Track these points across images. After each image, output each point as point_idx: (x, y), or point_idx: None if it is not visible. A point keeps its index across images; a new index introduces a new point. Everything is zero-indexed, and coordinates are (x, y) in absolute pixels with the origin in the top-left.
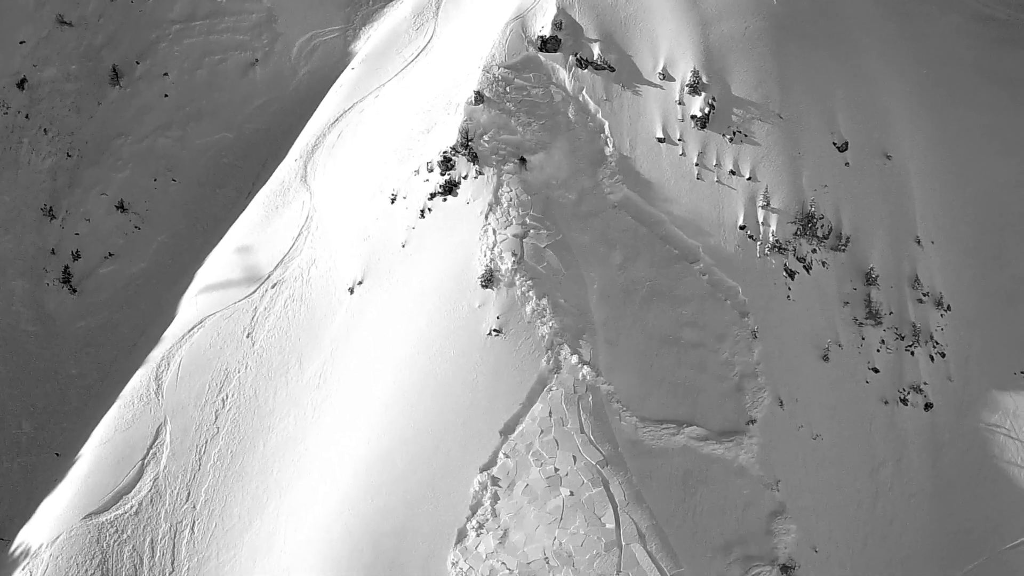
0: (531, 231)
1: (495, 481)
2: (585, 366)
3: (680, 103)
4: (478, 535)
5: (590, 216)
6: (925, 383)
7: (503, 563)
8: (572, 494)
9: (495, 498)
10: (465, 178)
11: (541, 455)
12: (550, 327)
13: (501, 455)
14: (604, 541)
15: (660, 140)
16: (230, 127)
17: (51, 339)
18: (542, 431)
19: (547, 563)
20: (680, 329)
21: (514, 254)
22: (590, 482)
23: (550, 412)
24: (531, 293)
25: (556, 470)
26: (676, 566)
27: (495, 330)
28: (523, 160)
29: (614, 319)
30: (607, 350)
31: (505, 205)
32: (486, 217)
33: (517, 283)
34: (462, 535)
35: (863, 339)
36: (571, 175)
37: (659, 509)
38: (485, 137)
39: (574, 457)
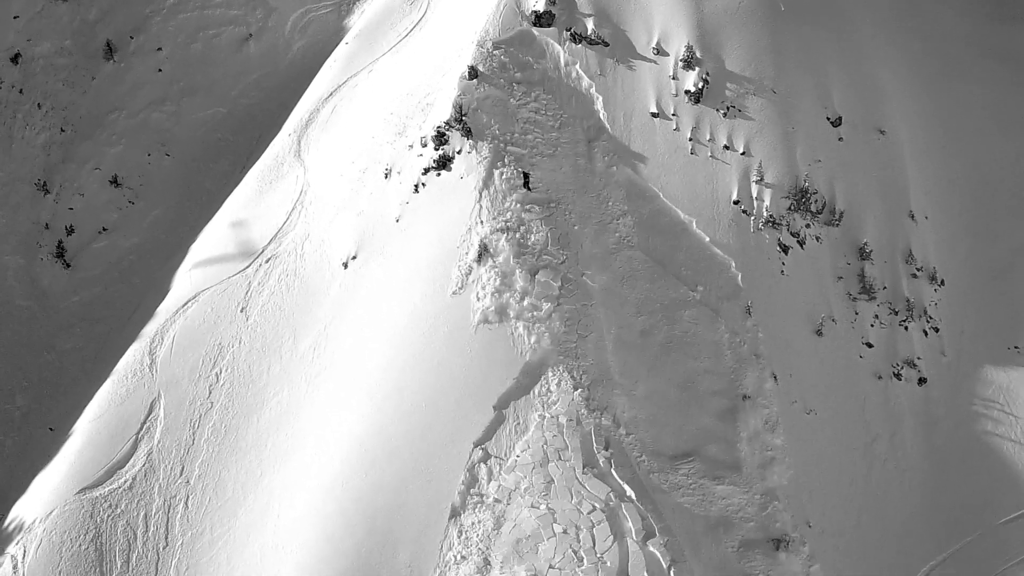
0: (543, 268)
1: (478, 523)
2: (603, 414)
3: (674, 78)
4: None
5: (607, 255)
6: (919, 358)
7: None
8: (566, 532)
9: (478, 535)
10: (459, 153)
11: (533, 492)
12: (563, 374)
13: (492, 499)
14: None
15: (654, 115)
16: (224, 102)
17: (45, 314)
18: (535, 466)
19: None
20: (697, 377)
21: (523, 294)
22: (590, 517)
23: (545, 445)
24: (540, 342)
25: (550, 509)
26: None
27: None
28: (527, 177)
29: (632, 366)
30: (625, 399)
31: (506, 200)
32: (480, 192)
33: (525, 330)
34: (455, 511)
35: (857, 314)
36: (576, 190)
37: (684, 538)
38: (489, 130)
39: (571, 493)
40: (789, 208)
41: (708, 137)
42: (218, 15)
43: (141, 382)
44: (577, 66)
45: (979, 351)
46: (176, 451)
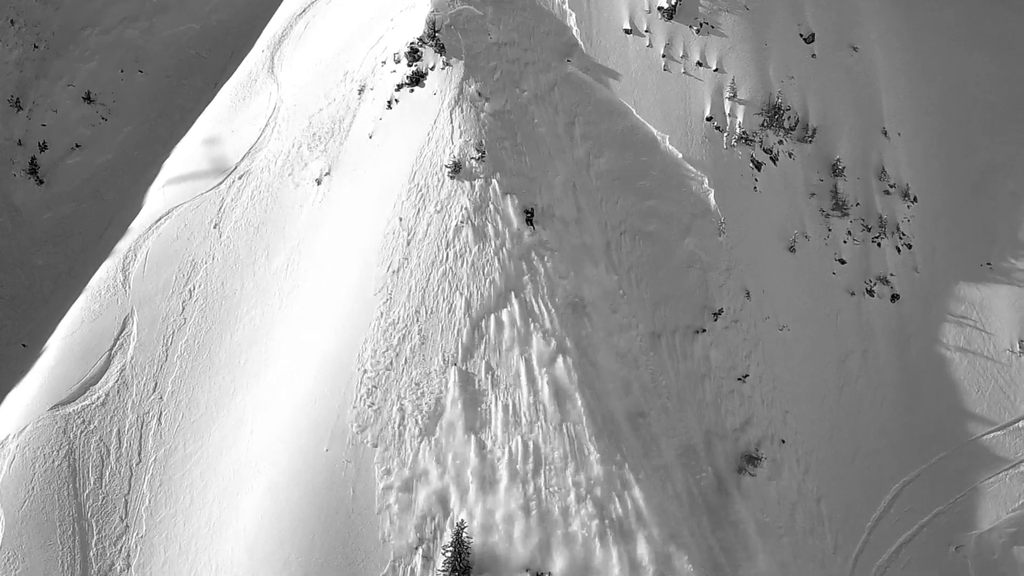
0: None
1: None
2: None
3: None
4: None
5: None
6: (892, 274)
7: None
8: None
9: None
10: (432, 69)
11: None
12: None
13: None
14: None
15: (627, 31)
16: (197, 18)
17: (18, 230)
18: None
19: None
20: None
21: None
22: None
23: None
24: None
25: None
26: None
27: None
28: (529, 215)
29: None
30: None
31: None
32: (451, 109)
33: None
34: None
35: (830, 230)
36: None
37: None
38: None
39: None
40: (762, 125)
41: (681, 54)
42: None
43: (114, 298)
44: None
45: (952, 268)
46: (149, 367)
